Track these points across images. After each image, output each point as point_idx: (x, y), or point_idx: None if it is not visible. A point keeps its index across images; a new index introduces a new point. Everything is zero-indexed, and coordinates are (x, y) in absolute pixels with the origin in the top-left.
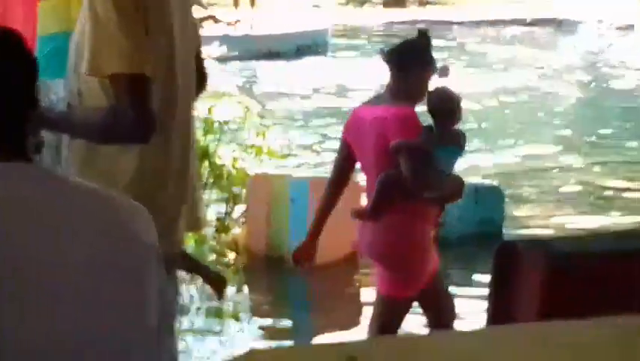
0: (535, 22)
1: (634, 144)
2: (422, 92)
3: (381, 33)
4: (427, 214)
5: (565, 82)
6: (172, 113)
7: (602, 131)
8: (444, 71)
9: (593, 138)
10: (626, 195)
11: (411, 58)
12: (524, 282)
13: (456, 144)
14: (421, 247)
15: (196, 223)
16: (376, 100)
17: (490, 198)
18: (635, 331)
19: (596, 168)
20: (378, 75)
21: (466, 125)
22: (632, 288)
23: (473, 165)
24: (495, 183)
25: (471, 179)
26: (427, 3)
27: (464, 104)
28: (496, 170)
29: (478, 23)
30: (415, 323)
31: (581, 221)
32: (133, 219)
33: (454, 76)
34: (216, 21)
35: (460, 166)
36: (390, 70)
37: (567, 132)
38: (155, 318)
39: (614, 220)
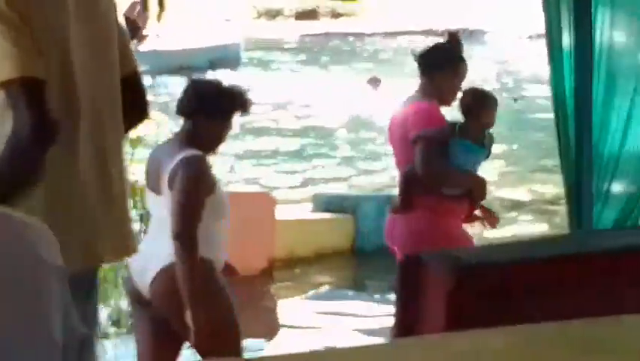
0: (445, 33)
1: (538, 154)
2: (451, 93)
3: (295, 46)
4: (452, 211)
5: None
6: (75, 124)
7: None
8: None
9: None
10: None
11: (439, 60)
12: (429, 294)
13: (479, 142)
14: (443, 242)
15: (125, 249)
16: (408, 100)
17: None
18: (539, 339)
19: (511, 178)
20: (288, 87)
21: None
22: (537, 297)
23: (392, 176)
24: None
25: (386, 191)
26: (340, 15)
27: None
28: None
29: (390, 34)
30: None
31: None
32: (33, 237)
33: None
34: None
35: (380, 179)
36: (421, 71)
37: None
38: (59, 334)
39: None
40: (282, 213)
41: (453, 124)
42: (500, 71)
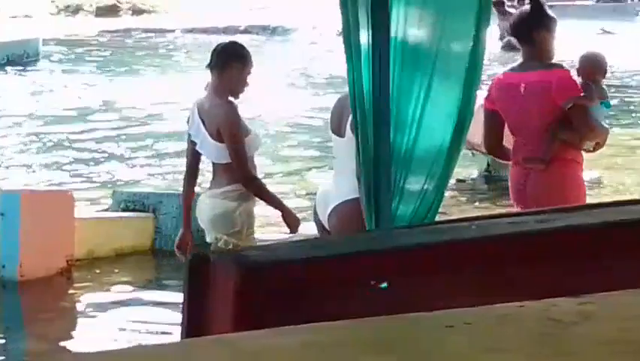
0: (249, 30)
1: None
2: (553, 53)
3: (95, 42)
4: (581, 161)
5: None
6: None
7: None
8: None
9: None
10: None
11: (537, 22)
12: (218, 293)
13: (607, 98)
14: (582, 192)
15: None
16: (521, 68)
17: None
18: (330, 338)
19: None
20: (86, 84)
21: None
22: (330, 295)
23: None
24: None
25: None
26: (142, 11)
27: None
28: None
29: (191, 30)
30: None
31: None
32: None
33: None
34: None
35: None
36: (521, 40)
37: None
38: None
39: None
40: (81, 211)
41: (586, 86)
42: (300, 66)
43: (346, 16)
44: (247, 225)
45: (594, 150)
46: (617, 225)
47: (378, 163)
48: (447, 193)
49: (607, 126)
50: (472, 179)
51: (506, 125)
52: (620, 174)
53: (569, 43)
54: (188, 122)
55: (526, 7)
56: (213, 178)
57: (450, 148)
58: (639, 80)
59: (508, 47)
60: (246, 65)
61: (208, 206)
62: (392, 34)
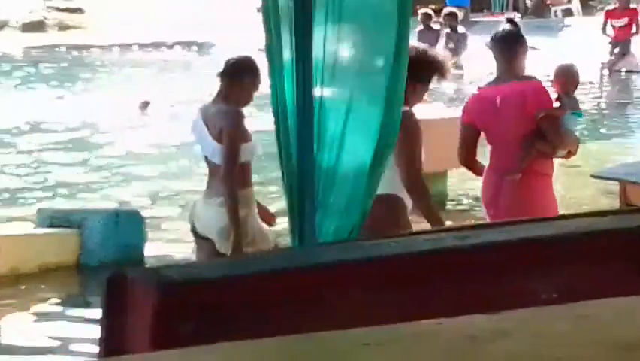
0: (175, 45)
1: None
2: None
3: (21, 58)
4: (551, 170)
5: None
6: None
7: None
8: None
9: None
10: None
11: (515, 41)
12: (136, 310)
13: (578, 108)
14: (554, 205)
15: None
16: (496, 82)
17: (131, 223)
18: (253, 356)
19: None
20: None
21: None
22: (252, 312)
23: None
24: (135, 208)
25: (110, 204)
26: (68, 27)
27: None
28: (138, 195)
29: (118, 46)
30: None
31: None
32: None
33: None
34: None
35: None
36: (501, 55)
37: None
38: None
39: None
40: (4, 228)
41: (558, 98)
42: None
43: (269, 33)
44: (257, 231)
45: (567, 158)
46: (532, 241)
47: (302, 179)
48: None
49: (577, 135)
50: None
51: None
52: None
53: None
54: (191, 129)
55: (505, 26)
56: (211, 184)
57: (373, 165)
58: None
59: None
60: (256, 79)
61: (212, 218)
62: (315, 51)
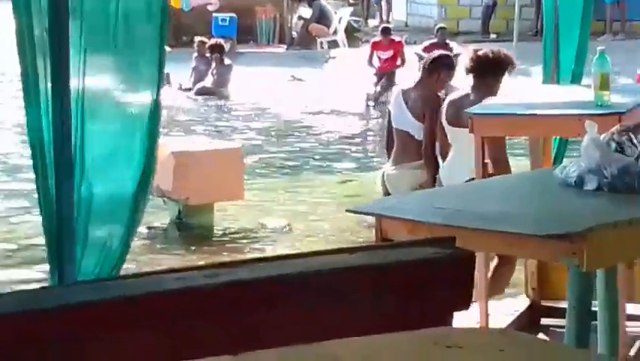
0: None
1: None
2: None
3: None
4: None
5: None
6: None
7: None
8: None
9: None
10: None
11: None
12: None
13: None
14: None
15: None
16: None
17: None
18: None
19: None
20: None
21: None
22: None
23: None
24: None
25: None
26: None
27: None
28: None
29: None
30: None
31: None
32: None
33: None
34: None
35: None
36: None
37: None
38: None
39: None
40: None
41: None
42: None
43: (24, 63)
44: None
45: None
46: (278, 279)
47: (61, 216)
48: (139, 242)
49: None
50: (164, 228)
51: None
52: (313, 222)
53: (264, 89)
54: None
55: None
56: (400, 153)
57: (136, 197)
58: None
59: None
60: (451, 72)
61: (406, 177)
62: (73, 82)
